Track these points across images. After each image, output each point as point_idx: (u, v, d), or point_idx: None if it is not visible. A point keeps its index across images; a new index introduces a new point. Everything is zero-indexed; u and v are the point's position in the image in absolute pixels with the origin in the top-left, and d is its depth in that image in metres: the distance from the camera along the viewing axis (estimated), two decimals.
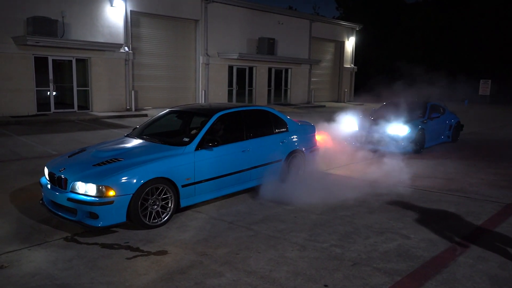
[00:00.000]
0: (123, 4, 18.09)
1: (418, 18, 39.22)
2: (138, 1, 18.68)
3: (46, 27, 15.40)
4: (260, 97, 24.67)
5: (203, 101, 21.46)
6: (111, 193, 4.68)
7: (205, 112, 6.26)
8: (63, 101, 17.60)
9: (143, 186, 4.87)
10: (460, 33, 36.51)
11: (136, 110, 18.68)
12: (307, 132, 7.46)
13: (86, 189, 4.74)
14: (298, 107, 24.36)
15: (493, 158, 9.57)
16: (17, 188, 6.61)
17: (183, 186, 5.32)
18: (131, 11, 18.51)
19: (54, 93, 16.87)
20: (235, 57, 21.96)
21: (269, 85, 25.59)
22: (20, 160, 8.80)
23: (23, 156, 9.13)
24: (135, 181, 4.82)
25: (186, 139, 5.69)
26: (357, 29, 31.17)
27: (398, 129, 9.79)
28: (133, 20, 18.87)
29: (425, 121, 10.61)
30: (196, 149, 5.56)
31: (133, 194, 4.79)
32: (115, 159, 5.17)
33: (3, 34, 15.00)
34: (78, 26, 16.95)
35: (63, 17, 16.35)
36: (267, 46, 23.61)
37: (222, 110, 6.25)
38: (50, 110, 16.71)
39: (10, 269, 4.00)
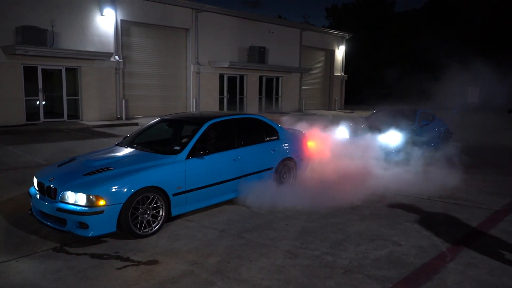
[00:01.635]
0: (113, 13, 18.09)
1: (407, 26, 39.75)
2: (128, 10, 18.70)
3: (35, 36, 15.32)
4: (251, 106, 24.73)
5: (194, 110, 21.45)
6: (101, 202, 4.65)
7: (196, 121, 6.26)
8: (52, 110, 17.46)
9: (133, 195, 4.84)
10: (448, 41, 37.05)
11: (127, 119, 18.61)
12: (298, 140, 7.48)
13: (76, 198, 4.69)
14: (289, 115, 24.42)
15: (482, 165, 9.67)
16: (5, 199, 6.52)
17: (174, 194, 5.30)
18: (121, 20, 18.52)
19: (43, 102, 16.73)
20: (226, 66, 22.03)
21: (260, 94, 25.67)
22: (8, 170, 8.70)
23: (11, 166, 9.03)
24: (125, 190, 4.78)
25: (177, 148, 5.68)
26: (347, 37, 31.48)
27: (388, 136, 9.85)
28: (124, 29, 18.87)
29: (415, 129, 10.70)
30: (187, 157, 5.54)
31: (123, 203, 4.75)
32: (105, 168, 5.13)
33: None
34: (68, 35, 16.89)
35: (52, 26, 16.29)
36: (258, 55, 23.73)
37: (213, 118, 6.26)
38: (39, 120, 16.57)
39: None
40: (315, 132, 9.13)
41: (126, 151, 5.93)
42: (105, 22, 17.99)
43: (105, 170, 5.07)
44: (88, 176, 4.97)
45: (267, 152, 6.69)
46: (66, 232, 4.74)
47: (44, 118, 16.76)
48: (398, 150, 9.83)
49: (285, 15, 66.12)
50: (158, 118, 6.97)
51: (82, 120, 17.60)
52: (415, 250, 4.68)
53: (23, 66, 15.82)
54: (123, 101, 18.62)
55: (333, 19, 47.66)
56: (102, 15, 17.79)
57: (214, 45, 22.09)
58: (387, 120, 10.38)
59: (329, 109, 30.38)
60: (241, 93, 24.56)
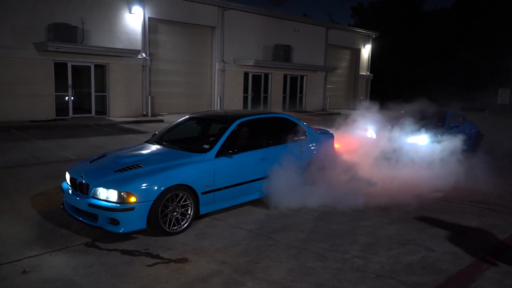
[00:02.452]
0: (141, 11, 18.31)
1: (435, 26, 38.85)
2: (156, 8, 18.89)
3: (66, 33, 15.65)
4: (275, 104, 24.65)
5: (218, 108, 21.53)
6: (132, 199, 4.69)
7: (225, 119, 6.26)
8: (81, 106, 17.82)
9: (164, 192, 4.86)
10: (477, 41, 36.05)
11: (152, 115, 18.82)
12: (326, 140, 7.39)
13: (107, 195, 4.75)
14: (313, 114, 24.26)
15: None
16: (38, 192, 6.67)
17: (203, 193, 5.31)
18: (149, 17, 18.73)
19: (72, 98, 17.09)
20: (251, 64, 22.02)
21: (284, 92, 25.56)
22: (40, 164, 8.91)
23: (42, 161, 9.25)
24: (156, 188, 4.82)
25: (206, 146, 5.68)
26: (374, 36, 31.01)
27: (417, 138, 9.64)
28: (151, 27, 19.08)
29: (444, 131, 10.44)
30: (216, 156, 5.54)
31: (154, 200, 4.79)
32: (136, 165, 5.18)
33: (24, 40, 15.30)
34: (97, 33, 17.20)
35: (82, 23, 16.60)
36: (283, 53, 23.63)
37: (242, 117, 6.24)
38: (68, 115, 16.93)
39: (32, 274, 4.02)
40: (343, 133, 9.01)
41: (156, 148, 5.98)
42: (133, 20, 18.24)
43: (136, 167, 5.12)
44: (119, 172, 5.02)
45: (295, 152, 6.62)
46: (97, 227, 4.81)
47: (73, 113, 17.11)
48: (426, 152, 9.60)
49: (310, 14, 65.65)
50: (187, 116, 6.99)
51: (109, 116, 17.90)
52: (449, 257, 4.55)
53: (54, 63, 16.19)
54: (149, 98, 18.84)
55: (359, 17, 47.02)
56: (130, 12, 18.03)
57: (239, 43, 22.11)
58: (415, 122, 10.15)
59: (354, 108, 30.00)
60: (265, 91, 24.51)
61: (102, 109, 18.07)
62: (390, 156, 9.73)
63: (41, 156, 9.73)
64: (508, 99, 28.91)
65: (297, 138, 6.80)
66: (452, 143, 10.69)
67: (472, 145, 11.76)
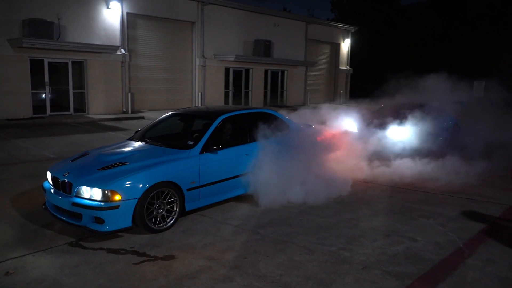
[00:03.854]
0: (119, 6, 18.00)
1: (413, 20, 39.41)
2: (134, 3, 18.60)
3: (42, 29, 15.26)
4: (257, 99, 24.66)
5: (199, 103, 21.40)
6: (117, 197, 4.64)
7: (209, 115, 6.23)
8: (58, 103, 17.45)
9: (149, 190, 4.83)
10: (455, 35, 36.76)
11: (132, 112, 18.58)
12: (310, 134, 7.43)
13: (91, 193, 4.69)
14: (294, 108, 24.35)
15: (492, 160, 9.59)
16: (18, 193, 6.53)
17: (188, 189, 5.29)
18: (127, 13, 18.42)
19: (49, 95, 16.72)
20: (232, 59, 21.93)
21: (266, 87, 25.59)
22: (19, 163, 8.70)
23: (21, 160, 9.04)
24: (141, 185, 4.77)
25: (190, 143, 5.65)
26: (353, 31, 31.27)
27: (397, 131, 9.79)
28: (130, 22, 18.78)
29: (423, 123, 10.62)
30: (201, 152, 5.52)
31: (139, 198, 4.75)
32: (120, 163, 5.12)
33: None
34: (74, 28, 16.83)
35: (59, 19, 16.22)
36: (263, 48, 23.61)
37: (225, 112, 6.23)
38: (46, 113, 16.56)
39: (16, 276, 3.94)
40: (325, 127, 9.08)
41: (139, 145, 5.92)
42: (111, 15, 17.92)
43: (119, 165, 5.05)
44: (103, 170, 4.95)
45: None
46: (81, 227, 4.74)
47: (51, 111, 16.75)
48: (406, 145, 9.77)
49: (290, 8, 65.69)
50: (170, 112, 6.93)
51: (88, 113, 17.59)
52: (432, 246, 4.65)
53: (30, 59, 15.78)
54: (129, 94, 18.59)
55: (338, 12, 47.32)
56: (108, 8, 17.71)
57: (220, 39, 21.99)
58: (395, 115, 10.31)
59: (334, 102, 30.25)
60: (247, 86, 24.48)
61: (81, 107, 17.75)
62: (372, 149, 9.87)
63: (19, 155, 9.50)
64: (483, 91, 29.59)
65: (281, 133, 6.81)
66: (430, 135, 10.91)
67: (450, 137, 12.01)
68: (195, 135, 6.05)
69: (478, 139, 11.98)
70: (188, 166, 5.33)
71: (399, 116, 10.27)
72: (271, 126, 6.72)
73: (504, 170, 8.60)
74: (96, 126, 15.00)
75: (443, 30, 37.68)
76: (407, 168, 8.33)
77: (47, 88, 16.54)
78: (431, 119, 10.98)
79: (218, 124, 5.94)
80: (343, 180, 6.92)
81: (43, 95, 16.64)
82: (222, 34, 22.09)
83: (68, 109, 17.34)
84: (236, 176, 5.97)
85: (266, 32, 24.32)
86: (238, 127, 6.34)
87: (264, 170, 6.15)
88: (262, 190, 6.08)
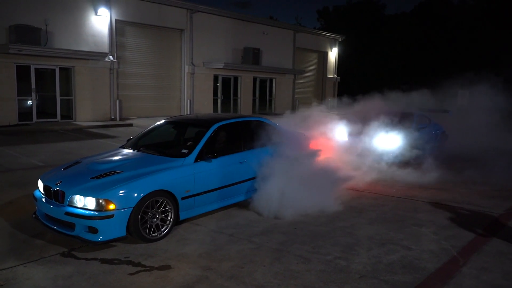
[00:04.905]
0: (108, 12, 17.89)
1: (397, 30, 40.07)
2: (123, 10, 18.52)
3: (29, 35, 15.08)
4: (245, 107, 24.68)
5: (188, 111, 21.33)
6: (111, 206, 4.57)
7: (203, 123, 6.21)
8: (45, 110, 17.21)
9: (143, 199, 4.77)
10: (438, 45, 37.46)
11: (120, 119, 18.41)
12: (302, 142, 7.45)
13: (85, 202, 4.61)
14: (283, 116, 24.42)
15: (480, 168, 9.74)
16: (6, 201, 6.38)
17: (182, 198, 5.24)
18: (116, 19, 18.33)
19: (36, 102, 16.46)
20: (221, 67, 21.95)
21: (254, 95, 25.65)
22: (5, 172, 8.52)
23: (7, 168, 8.86)
24: (135, 194, 4.72)
25: (185, 151, 5.62)
26: (340, 40, 31.62)
27: (387, 139, 9.88)
28: (118, 29, 18.69)
29: (412, 132, 10.75)
30: (196, 160, 5.49)
31: (133, 207, 4.68)
32: (113, 171, 5.05)
33: None
34: (61, 35, 16.66)
35: (46, 25, 16.04)
36: (252, 56, 23.71)
37: (220, 121, 6.21)
38: (32, 120, 16.30)
39: None
40: (316, 135, 9.11)
41: (133, 153, 5.86)
42: (100, 22, 17.80)
43: (113, 174, 4.99)
44: (96, 179, 4.88)
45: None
46: (74, 236, 4.65)
47: (37, 118, 16.50)
48: (396, 153, 9.86)
49: (277, 17, 66.09)
50: (163, 120, 6.88)
51: (75, 120, 17.37)
52: (427, 255, 4.69)
53: (16, 66, 15.54)
54: (117, 101, 18.43)
55: (325, 21, 47.88)
56: (96, 14, 17.59)
57: (209, 46, 22.01)
58: (384, 123, 10.40)
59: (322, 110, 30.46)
60: (235, 94, 24.51)
61: (68, 113, 17.53)
62: (363, 157, 9.93)
63: (5, 163, 9.31)
64: (467, 100, 30.15)
65: (274, 141, 6.82)
66: (420, 143, 11.03)
67: (438, 145, 12.18)
68: (189, 143, 6.02)
69: (466, 147, 12.18)
70: (182, 174, 5.29)
71: (388, 124, 10.37)
72: (265, 134, 6.73)
73: (491, 178, 8.74)
74: (83, 133, 14.81)
75: (425, 39, 38.36)
76: (395, 177, 8.40)
77: (33, 94, 16.29)
78: (419, 128, 11.13)
79: (213, 133, 5.91)
80: (335, 187, 6.94)
81: (30, 102, 16.38)
82: (211, 42, 22.12)
83: (55, 116, 17.10)
84: (231, 185, 5.95)
85: (255, 40, 24.44)
86: (232, 135, 6.33)
87: (258, 178, 6.14)
88: (255, 199, 6.06)
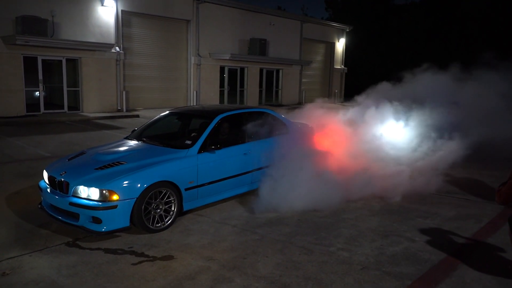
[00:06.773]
0: (114, 3, 17.87)
1: (406, 20, 39.55)
2: (129, 1, 18.48)
3: (35, 26, 15.12)
4: (252, 98, 24.63)
5: (194, 102, 21.34)
6: (115, 197, 4.60)
7: (207, 114, 6.20)
8: (52, 101, 17.32)
9: (147, 189, 4.79)
10: (448, 35, 36.96)
11: (127, 110, 18.48)
12: (307, 134, 7.42)
13: (89, 193, 4.64)
14: (289, 107, 24.36)
15: (487, 160, 9.64)
16: (13, 192, 6.46)
17: (186, 189, 5.26)
18: (122, 10, 18.30)
19: (43, 93, 16.57)
20: (227, 58, 21.88)
21: (261, 86, 25.56)
22: (12, 162, 8.61)
23: (15, 158, 8.94)
24: (139, 185, 4.74)
25: (188, 142, 5.62)
26: (347, 30, 31.31)
27: (391, 129, 9.78)
28: (124, 20, 18.66)
29: (419, 122, 10.64)
30: (199, 152, 5.50)
31: (137, 198, 4.71)
32: (117, 162, 5.08)
33: None
34: (68, 26, 16.69)
35: (53, 16, 16.07)
36: (258, 47, 23.58)
37: (223, 112, 6.20)
38: (39, 111, 16.41)
39: (13, 276, 3.90)
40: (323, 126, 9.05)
41: (137, 144, 5.88)
42: (106, 13, 17.79)
43: (117, 165, 5.01)
44: (100, 170, 4.91)
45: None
46: (78, 226, 4.70)
47: (44, 109, 16.60)
48: (404, 145, 9.77)
49: (284, 7, 65.60)
50: (167, 112, 6.89)
51: (82, 111, 17.47)
52: (430, 246, 4.67)
53: (23, 57, 15.62)
54: (124, 92, 18.47)
55: (333, 11, 47.35)
56: (103, 5, 17.57)
57: (215, 37, 21.92)
58: (391, 114, 10.31)
59: (329, 102, 30.30)
60: (242, 85, 24.45)
61: (75, 105, 17.62)
62: (368, 148, 9.83)
63: (13, 154, 9.40)
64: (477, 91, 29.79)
65: (279, 132, 6.80)
66: (428, 134, 10.90)
67: (447, 137, 12.02)
68: (193, 134, 6.02)
69: (472, 138, 12.04)
70: (186, 165, 5.30)
71: (397, 114, 10.26)
72: (269, 125, 6.71)
73: (498, 170, 8.63)
74: (90, 124, 14.89)
75: (435, 29, 37.84)
76: (400, 169, 8.31)
77: (40, 86, 16.39)
78: (429, 119, 11.01)
79: (216, 124, 5.91)
80: (337, 180, 6.89)
81: (37, 93, 16.49)
82: (218, 33, 22.03)
83: (62, 107, 17.19)
84: (234, 176, 5.95)
85: (262, 31, 24.28)
86: (236, 126, 6.32)
87: (262, 169, 6.12)
88: (259, 190, 6.05)
